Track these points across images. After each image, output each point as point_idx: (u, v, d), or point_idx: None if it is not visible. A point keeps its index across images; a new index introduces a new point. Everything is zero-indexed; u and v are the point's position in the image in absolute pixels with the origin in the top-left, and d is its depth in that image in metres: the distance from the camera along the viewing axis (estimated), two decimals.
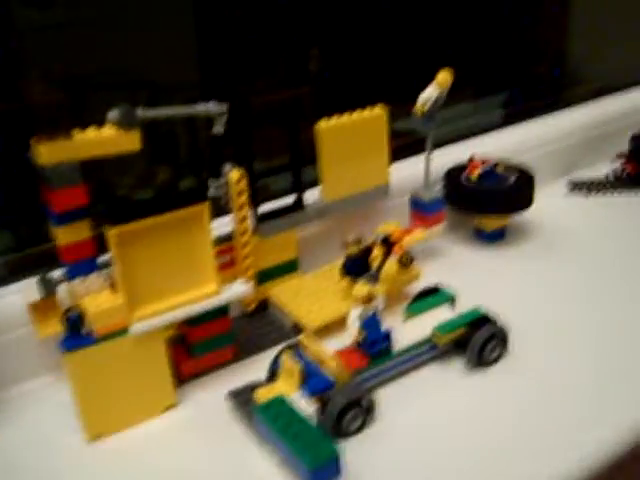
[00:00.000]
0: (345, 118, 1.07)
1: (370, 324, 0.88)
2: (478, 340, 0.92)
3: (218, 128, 0.92)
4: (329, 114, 1.07)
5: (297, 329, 1.01)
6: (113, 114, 0.82)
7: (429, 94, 1.07)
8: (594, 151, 1.52)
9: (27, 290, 0.89)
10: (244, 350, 0.99)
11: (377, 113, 1.09)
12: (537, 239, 1.26)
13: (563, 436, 0.82)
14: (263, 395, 0.84)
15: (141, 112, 0.84)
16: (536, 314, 1.04)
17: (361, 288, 0.87)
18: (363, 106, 1.09)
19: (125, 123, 0.83)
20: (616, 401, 0.87)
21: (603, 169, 1.48)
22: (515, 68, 1.64)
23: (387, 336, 0.90)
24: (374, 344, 0.89)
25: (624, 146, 1.45)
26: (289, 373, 0.85)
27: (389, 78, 1.39)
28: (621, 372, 0.92)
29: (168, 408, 0.90)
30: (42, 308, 0.88)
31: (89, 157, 0.81)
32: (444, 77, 1.06)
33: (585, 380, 0.91)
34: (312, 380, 0.84)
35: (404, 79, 1.38)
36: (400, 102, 1.13)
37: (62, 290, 0.87)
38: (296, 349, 0.90)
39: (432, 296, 1.01)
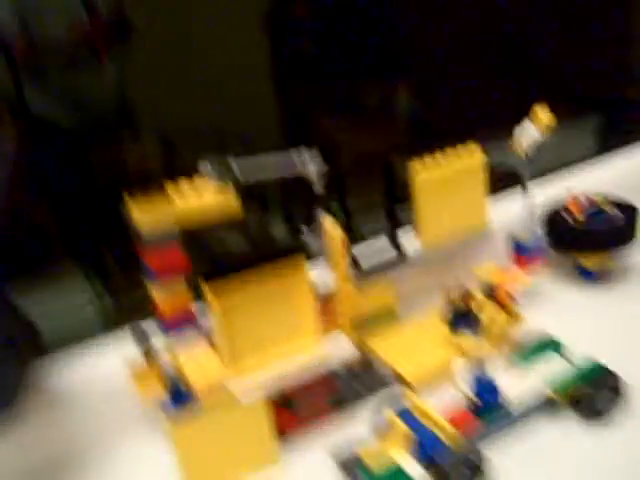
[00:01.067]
0: (441, 161, 1.03)
1: (481, 384, 0.84)
2: (597, 397, 0.87)
3: (317, 188, 0.90)
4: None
5: (399, 381, 0.98)
6: (206, 167, 0.81)
7: (532, 137, 1.02)
8: None
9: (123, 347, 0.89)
10: (344, 402, 0.96)
11: (474, 152, 1.06)
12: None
13: None
14: (371, 457, 0.81)
15: (238, 174, 0.82)
16: None
17: (469, 344, 0.84)
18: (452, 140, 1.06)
19: (220, 177, 0.81)
20: None
21: None
22: (605, 92, 1.58)
23: (498, 393, 0.86)
24: (486, 404, 0.85)
25: None
26: (399, 436, 0.82)
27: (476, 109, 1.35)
28: None
29: (269, 466, 0.87)
30: (146, 373, 0.88)
31: (189, 226, 0.80)
32: (545, 119, 1.02)
33: None
34: (424, 444, 0.80)
35: (494, 108, 1.34)
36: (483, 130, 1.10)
37: (163, 355, 0.87)
38: (403, 409, 0.86)
39: (540, 343, 0.96)
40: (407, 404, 0.87)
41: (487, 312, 0.99)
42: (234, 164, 0.82)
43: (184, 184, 0.82)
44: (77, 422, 0.93)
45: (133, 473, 0.91)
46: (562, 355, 0.95)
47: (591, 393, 0.87)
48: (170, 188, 0.80)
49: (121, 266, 1.07)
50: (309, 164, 0.88)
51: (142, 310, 0.89)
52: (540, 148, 1.37)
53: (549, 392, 0.88)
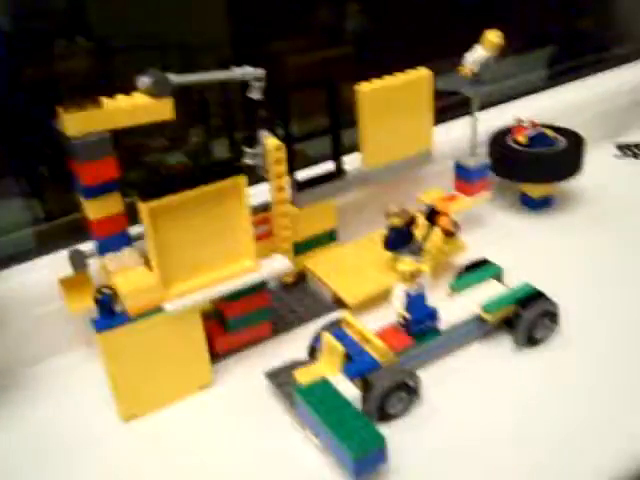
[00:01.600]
0: (387, 80, 1.01)
1: (415, 303, 0.84)
2: (528, 318, 0.87)
3: (255, 94, 0.87)
4: (369, 76, 1.01)
5: (337, 303, 0.97)
6: (144, 81, 0.78)
7: (479, 56, 1.00)
8: None
9: (58, 264, 0.86)
10: (281, 324, 0.95)
11: (422, 75, 1.03)
12: (586, 206, 1.20)
13: (615, 417, 0.78)
14: (303, 375, 0.80)
15: (174, 78, 0.79)
16: (586, 289, 0.99)
17: (406, 264, 0.82)
18: (402, 65, 1.04)
19: (157, 90, 0.78)
20: None
21: None
22: (558, 23, 1.56)
23: (433, 315, 0.86)
24: (420, 323, 0.85)
25: None
26: (331, 353, 0.81)
27: (430, 34, 1.33)
28: None
29: (203, 387, 0.86)
30: (74, 283, 0.85)
31: (120, 127, 0.77)
32: (494, 39, 0.99)
33: (637, 358, 0.86)
34: (356, 361, 0.80)
35: (444, 35, 1.31)
36: (436, 59, 1.07)
37: (94, 266, 0.84)
38: (337, 328, 0.85)
39: (479, 269, 0.96)
40: (343, 325, 0.86)
41: (428, 236, 0.97)
42: (171, 77, 0.79)
43: (120, 97, 0.78)
44: (10, 339, 0.91)
45: (67, 388, 0.89)
46: (499, 280, 0.95)
47: (521, 313, 0.87)
48: (105, 100, 0.77)
49: (59, 188, 1.04)
50: (247, 70, 0.85)
51: (80, 233, 0.87)
52: (492, 78, 1.36)
53: (481, 313, 0.88)
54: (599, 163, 1.31)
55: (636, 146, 1.37)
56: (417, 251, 0.96)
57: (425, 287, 0.85)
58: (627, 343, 0.88)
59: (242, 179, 0.80)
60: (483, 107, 1.27)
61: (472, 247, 1.04)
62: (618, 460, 0.73)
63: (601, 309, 0.95)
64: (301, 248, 1.01)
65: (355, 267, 1.01)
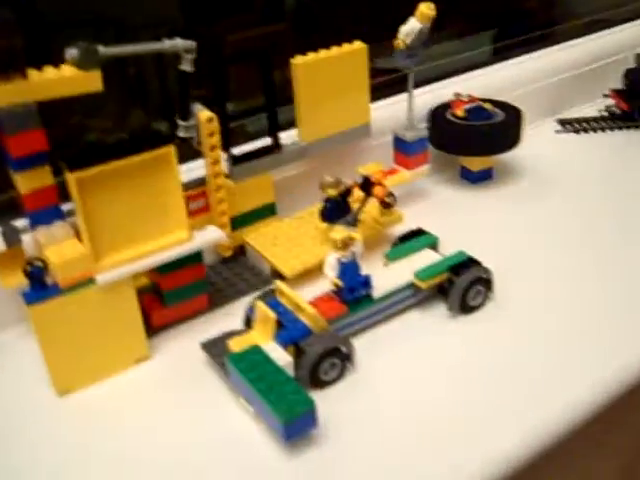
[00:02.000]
0: (323, 53, 1.02)
1: (348, 270, 0.85)
2: (461, 284, 0.88)
3: (186, 65, 0.88)
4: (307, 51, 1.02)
5: (276, 275, 0.98)
6: (72, 52, 0.77)
7: (411, 27, 1.01)
8: (585, 88, 1.46)
9: None
10: (219, 298, 0.96)
11: (357, 48, 1.04)
12: (526, 179, 1.22)
13: (547, 383, 0.79)
14: (237, 345, 0.81)
15: (103, 50, 0.79)
16: (521, 258, 1.00)
17: (337, 232, 0.84)
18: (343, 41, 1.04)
19: (85, 62, 0.77)
20: (600, 347, 0.84)
21: (594, 107, 1.44)
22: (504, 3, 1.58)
23: (366, 282, 0.87)
24: (353, 291, 0.86)
25: (616, 83, 1.41)
26: (264, 322, 0.82)
27: (371, 12, 1.33)
28: (608, 317, 0.89)
29: (140, 360, 0.86)
30: (7, 258, 0.84)
31: (47, 98, 0.76)
32: (427, 11, 1.00)
33: (570, 326, 0.87)
34: (287, 328, 0.81)
35: (387, 13, 1.32)
36: (382, 39, 1.08)
37: (26, 240, 0.84)
38: (271, 297, 0.86)
39: (414, 239, 0.97)
40: (277, 294, 0.87)
41: (363, 206, 0.98)
42: (100, 48, 0.79)
43: (48, 69, 0.78)
44: None
45: (3, 366, 0.89)
46: (435, 250, 0.96)
47: (454, 280, 0.89)
48: (31, 71, 0.76)
49: None
50: (178, 42, 0.85)
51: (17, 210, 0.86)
52: (437, 54, 1.38)
53: (414, 280, 0.89)
54: (540, 137, 1.35)
55: (577, 121, 1.39)
56: (353, 222, 0.97)
57: (358, 255, 0.86)
58: (559, 311, 0.90)
59: (171, 149, 0.80)
60: (427, 82, 1.30)
61: (411, 219, 1.05)
62: (536, 428, 0.74)
63: (535, 277, 0.96)
64: (240, 222, 1.02)
65: (293, 240, 1.01)
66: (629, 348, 0.84)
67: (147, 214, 0.82)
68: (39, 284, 0.78)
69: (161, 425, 0.78)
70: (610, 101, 1.41)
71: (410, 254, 0.95)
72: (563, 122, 1.40)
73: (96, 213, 0.79)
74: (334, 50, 1.02)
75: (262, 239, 1.02)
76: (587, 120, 1.39)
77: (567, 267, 0.98)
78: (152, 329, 0.90)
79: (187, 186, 0.93)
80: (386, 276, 0.90)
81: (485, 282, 0.90)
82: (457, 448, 0.72)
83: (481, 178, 1.21)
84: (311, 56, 1.01)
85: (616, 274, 0.97)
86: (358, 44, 1.04)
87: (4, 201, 0.98)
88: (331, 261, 0.85)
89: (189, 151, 0.95)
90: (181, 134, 0.92)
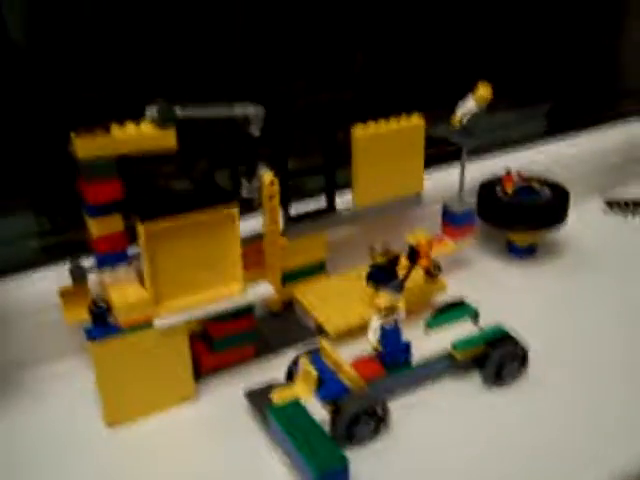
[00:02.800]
0: (382, 126, 1.07)
1: (390, 336, 0.89)
2: (496, 358, 0.92)
3: (254, 130, 0.94)
4: (369, 118, 1.08)
5: (320, 331, 1.03)
6: (151, 111, 0.85)
7: (468, 108, 1.07)
8: (636, 170, 1.50)
9: (59, 276, 0.92)
10: (266, 349, 1.01)
11: (415, 122, 1.10)
12: (569, 257, 1.25)
13: (581, 460, 0.82)
14: (279, 396, 0.86)
15: (179, 111, 0.86)
16: (560, 335, 1.04)
17: (383, 298, 0.88)
18: (402, 110, 1.10)
19: (163, 121, 0.85)
20: (632, 436, 0.86)
21: None
22: (561, 79, 1.62)
23: (406, 348, 0.91)
24: (393, 355, 0.90)
25: None
26: (306, 377, 0.87)
27: (432, 82, 1.39)
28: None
29: (185, 400, 0.92)
30: (72, 294, 0.91)
31: (125, 153, 0.83)
32: (484, 93, 1.06)
33: (602, 408, 0.90)
34: (327, 386, 0.85)
35: (447, 83, 1.38)
36: (439, 108, 1.14)
37: (92, 279, 0.90)
38: (315, 353, 0.91)
39: (455, 309, 1.01)
40: (320, 351, 0.91)
41: (409, 275, 1.03)
42: (178, 108, 0.86)
43: (129, 124, 0.85)
44: (11, 345, 0.97)
45: (61, 394, 0.95)
46: (473, 321, 1.00)
47: (490, 353, 0.92)
48: (114, 126, 0.84)
49: (66, 204, 1.10)
50: (248, 108, 0.92)
51: (83, 248, 0.92)
52: (488, 126, 1.43)
53: (451, 350, 0.94)
54: (586, 217, 1.38)
55: (625, 203, 1.43)
56: (398, 288, 1.02)
57: (400, 322, 0.90)
58: (592, 391, 0.93)
59: (235, 208, 0.87)
60: (478, 153, 1.35)
61: (455, 287, 1.09)
62: None
63: (571, 355, 0.99)
64: (290, 277, 1.07)
65: (339, 299, 1.06)
66: None
67: (206, 265, 0.88)
68: (101, 322, 0.84)
69: (199, 465, 0.82)
70: None
71: (450, 323, 0.99)
72: (611, 203, 1.43)
73: (160, 261, 0.85)
74: (393, 124, 1.08)
75: (310, 296, 1.07)
76: (635, 202, 1.42)
77: (603, 346, 1.01)
78: (200, 373, 0.95)
79: (245, 241, 0.98)
80: (425, 343, 0.94)
81: (520, 358, 0.94)
82: None
83: (526, 253, 1.24)
84: (371, 128, 1.06)
85: None
86: (416, 119, 1.10)
87: (74, 239, 1.06)
88: (374, 326, 0.89)
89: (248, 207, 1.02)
90: (244, 194, 0.98)
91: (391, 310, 0.88)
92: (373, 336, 0.90)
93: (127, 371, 0.87)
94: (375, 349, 0.90)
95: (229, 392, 0.93)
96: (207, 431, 0.88)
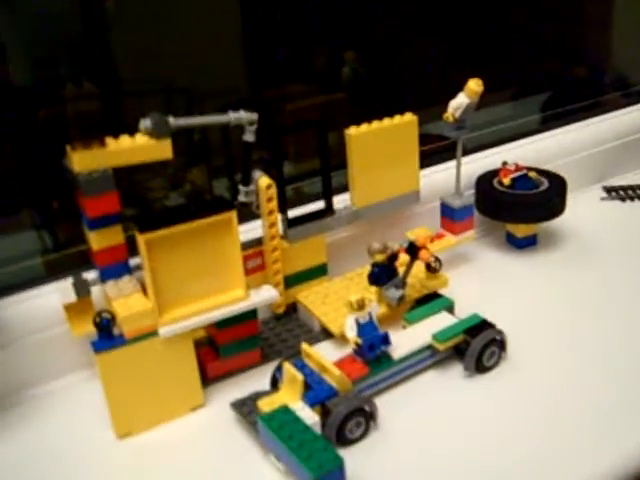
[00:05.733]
0: (375, 124, 1.07)
1: (366, 328, 0.89)
2: (477, 346, 0.92)
3: (248, 136, 0.96)
4: (364, 119, 1.08)
5: (325, 333, 1.03)
6: (145, 123, 0.86)
7: (460, 102, 1.08)
8: (632, 156, 1.50)
9: (64, 290, 0.92)
10: (272, 353, 1.00)
11: (408, 120, 1.09)
12: (570, 246, 1.25)
13: (562, 445, 0.82)
14: (266, 405, 0.85)
15: (173, 121, 0.87)
16: (549, 322, 1.04)
17: (352, 295, 0.89)
18: (397, 109, 1.11)
19: (157, 132, 0.86)
20: (618, 413, 0.87)
21: None
22: (554, 70, 1.63)
23: (385, 339, 0.91)
24: (372, 348, 0.90)
25: None
26: (291, 382, 0.86)
27: (426, 79, 1.41)
28: (627, 386, 0.91)
29: (195, 408, 0.92)
30: (77, 308, 0.90)
31: (122, 165, 0.83)
32: (475, 87, 1.06)
33: (583, 393, 0.91)
34: (314, 389, 0.85)
35: (441, 79, 1.39)
36: (432, 105, 1.15)
37: (95, 291, 0.91)
38: (298, 358, 0.90)
39: (431, 302, 1.02)
40: (303, 356, 0.91)
41: (409, 270, 1.03)
42: (171, 119, 0.87)
43: (124, 137, 0.87)
44: (18, 360, 0.98)
45: (70, 406, 0.96)
46: (451, 312, 1.01)
47: (469, 341, 0.93)
48: (110, 140, 0.85)
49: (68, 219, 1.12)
50: (241, 114, 0.94)
51: (87, 263, 0.93)
52: (489, 121, 1.44)
53: (432, 342, 0.94)
54: (586, 205, 1.37)
55: (623, 189, 1.42)
56: (400, 285, 1.03)
57: (374, 314, 0.91)
58: (573, 376, 0.93)
59: (233, 214, 0.86)
60: (476, 149, 1.36)
61: (456, 282, 1.09)
62: None
63: (557, 342, 1.00)
64: (292, 281, 1.07)
65: (342, 299, 1.05)
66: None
67: (208, 273, 0.88)
68: (107, 334, 0.84)
69: (200, 472, 0.84)
70: None
71: (428, 317, 0.99)
72: (609, 189, 1.43)
73: (162, 270, 0.84)
74: (386, 122, 1.07)
75: (313, 298, 1.07)
76: (633, 188, 1.42)
77: (593, 335, 1.01)
78: (207, 379, 0.95)
79: (245, 246, 0.99)
80: (405, 338, 0.95)
81: (499, 343, 0.94)
82: None
83: (526, 244, 1.24)
84: (364, 127, 1.06)
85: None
86: (409, 116, 1.09)
87: (76, 253, 1.07)
88: (349, 322, 0.90)
89: (246, 213, 1.03)
90: (242, 199, 0.98)
91: (362, 303, 0.89)
92: (350, 332, 0.90)
93: (135, 382, 0.87)
94: (355, 344, 0.90)
95: (236, 397, 0.92)
96: (214, 438, 0.88)
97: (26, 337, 0.97)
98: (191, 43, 1.13)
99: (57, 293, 0.95)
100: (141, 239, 0.82)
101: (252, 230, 1.04)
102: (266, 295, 0.93)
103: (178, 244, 0.85)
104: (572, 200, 1.24)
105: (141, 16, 1.08)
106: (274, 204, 0.99)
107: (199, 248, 0.87)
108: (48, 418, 0.94)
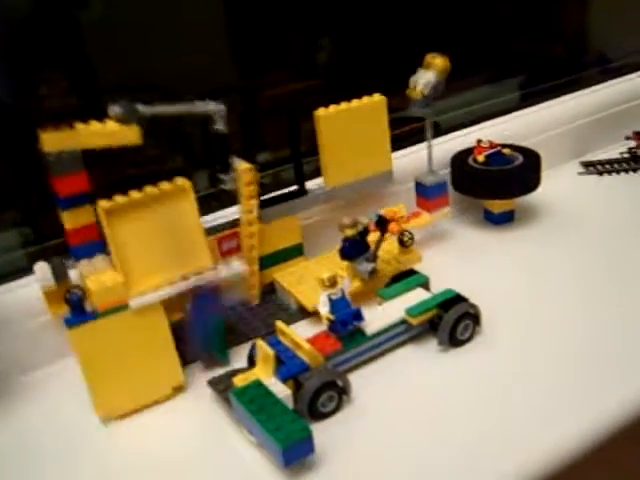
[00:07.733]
0: (344, 105, 1.08)
1: (338, 304, 0.90)
2: (450, 319, 0.92)
3: (219, 126, 0.98)
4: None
5: (302, 311, 1.04)
6: (114, 109, 0.88)
7: (428, 79, 1.10)
8: (608, 131, 1.49)
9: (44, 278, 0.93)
10: (251, 331, 1.02)
11: (376, 100, 1.09)
12: (547, 220, 1.25)
13: (534, 414, 0.83)
14: (241, 381, 0.85)
15: (141, 108, 0.90)
16: (525, 297, 1.05)
17: (324, 272, 0.91)
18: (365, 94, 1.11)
19: (126, 118, 0.88)
20: (588, 382, 0.87)
21: (617, 149, 1.47)
22: (531, 49, 1.63)
23: (357, 314, 0.91)
24: (345, 324, 0.90)
25: (638, 126, 1.44)
26: (265, 359, 0.86)
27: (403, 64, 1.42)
28: (600, 356, 0.92)
29: (176, 389, 0.93)
30: (56, 292, 0.91)
31: (89, 147, 0.84)
32: (442, 63, 1.06)
33: (559, 362, 0.91)
34: (287, 364, 0.85)
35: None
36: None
37: (73, 275, 0.92)
38: (272, 337, 0.91)
39: (406, 279, 1.02)
40: (277, 334, 0.92)
41: (380, 243, 1.03)
42: (140, 106, 0.90)
43: (93, 122, 0.88)
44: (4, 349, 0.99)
45: (55, 394, 0.98)
46: (427, 288, 1.01)
47: (442, 315, 0.93)
48: (79, 124, 0.86)
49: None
50: (209, 105, 0.96)
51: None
52: (466, 101, 1.45)
53: (406, 317, 0.94)
54: (563, 180, 1.37)
55: (600, 163, 1.41)
56: (371, 258, 1.04)
57: (346, 291, 0.92)
58: (548, 349, 0.94)
59: (187, 182, 0.89)
60: (453, 129, 1.39)
61: (434, 260, 1.11)
62: (525, 463, 0.77)
63: (533, 317, 1.00)
64: (269, 261, 1.08)
65: (319, 279, 1.10)
66: (615, 385, 0.87)
67: (172, 244, 0.90)
68: (79, 310, 0.85)
69: (180, 453, 0.85)
70: (633, 143, 1.44)
71: (402, 293, 1.00)
72: (586, 164, 1.42)
73: (127, 243, 0.87)
74: (354, 102, 1.08)
75: (290, 278, 1.08)
76: (609, 162, 1.41)
77: (569, 309, 1.02)
78: (187, 361, 0.96)
79: (220, 227, 1.01)
80: (379, 314, 0.95)
81: (473, 317, 0.94)
82: (448, 475, 0.76)
83: (503, 220, 1.24)
84: (332, 108, 1.06)
85: (615, 315, 0.99)
86: (377, 96, 1.10)
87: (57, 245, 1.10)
88: (322, 299, 0.91)
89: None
90: (227, 187, 1.00)
91: (333, 280, 0.90)
92: (323, 308, 0.91)
93: (111, 358, 0.87)
94: (327, 320, 0.91)
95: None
96: (195, 417, 0.90)
97: (12, 325, 0.99)
98: (168, 32, 1.14)
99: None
100: (100, 209, 0.84)
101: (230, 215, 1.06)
102: (235, 268, 0.96)
103: (138, 215, 0.88)
104: (550, 176, 1.24)
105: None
106: (253, 189, 1.00)
107: (159, 218, 0.89)
108: (34, 405, 0.95)
